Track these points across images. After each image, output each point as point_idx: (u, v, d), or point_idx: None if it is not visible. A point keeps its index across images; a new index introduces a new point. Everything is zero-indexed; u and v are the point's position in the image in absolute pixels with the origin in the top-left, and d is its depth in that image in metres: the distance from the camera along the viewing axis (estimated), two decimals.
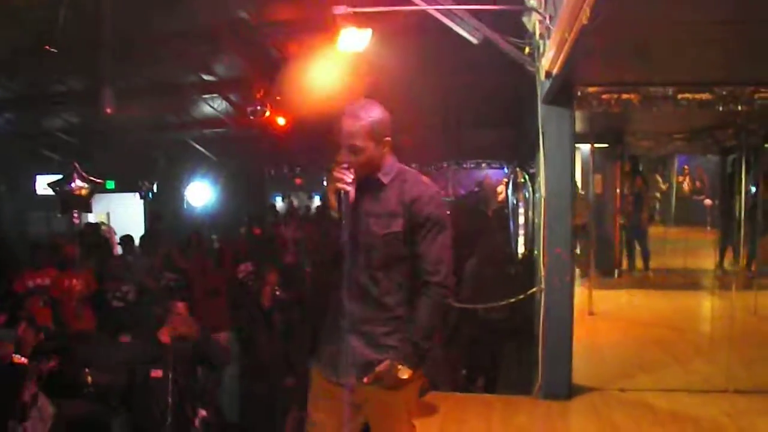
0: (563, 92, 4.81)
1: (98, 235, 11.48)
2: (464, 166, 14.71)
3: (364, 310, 2.60)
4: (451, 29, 5.02)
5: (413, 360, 2.57)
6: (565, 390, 4.95)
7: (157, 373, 4.76)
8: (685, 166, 10.69)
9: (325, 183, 2.85)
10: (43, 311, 6.84)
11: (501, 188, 9.34)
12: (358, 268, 2.58)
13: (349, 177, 2.51)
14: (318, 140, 9.76)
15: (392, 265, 2.59)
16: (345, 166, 2.52)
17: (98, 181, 9.25)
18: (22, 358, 4.51)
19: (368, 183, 2.61)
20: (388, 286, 2.60)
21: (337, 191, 2.51)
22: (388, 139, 2.63)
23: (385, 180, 2.64)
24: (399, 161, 2.70)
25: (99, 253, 9.44)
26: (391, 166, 2.67)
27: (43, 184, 14.15)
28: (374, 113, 2.58)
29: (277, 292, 6.25)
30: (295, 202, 17.97)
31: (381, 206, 2.61)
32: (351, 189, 2.51)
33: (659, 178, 10.49)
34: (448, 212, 2.79)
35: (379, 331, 2.60)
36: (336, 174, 2.52)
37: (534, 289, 5.21)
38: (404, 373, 2.55)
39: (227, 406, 6.31)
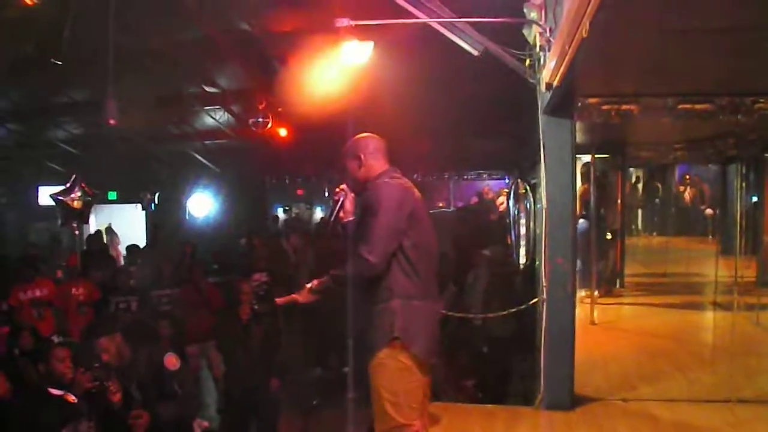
0: (563, 103, 4.83)
1: (100, 243, 11.46)
2: (465, 177, 14.69)
3: None
4: (452, 41, 5.06)
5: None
6: (567, 401, 4.95)
7: None
8: (687, 176, 10.68)
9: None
10: (42, 323, 6.84)
11: (502, 199, 9.35)
12: None
13: None
14: (319, 151, 9.79)
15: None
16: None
17: (94, 192, 9.22)
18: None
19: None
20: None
21: None
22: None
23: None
24: (400, 172, 2.81)
25: (103, 263, 9.43)
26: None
27: (45, 195, 14.18)
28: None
29: (255, 306, 6.19)
30: (294, 212, 18.00)
31: None
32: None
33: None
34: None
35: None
36: None
37: (536, 300, 5.22)
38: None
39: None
